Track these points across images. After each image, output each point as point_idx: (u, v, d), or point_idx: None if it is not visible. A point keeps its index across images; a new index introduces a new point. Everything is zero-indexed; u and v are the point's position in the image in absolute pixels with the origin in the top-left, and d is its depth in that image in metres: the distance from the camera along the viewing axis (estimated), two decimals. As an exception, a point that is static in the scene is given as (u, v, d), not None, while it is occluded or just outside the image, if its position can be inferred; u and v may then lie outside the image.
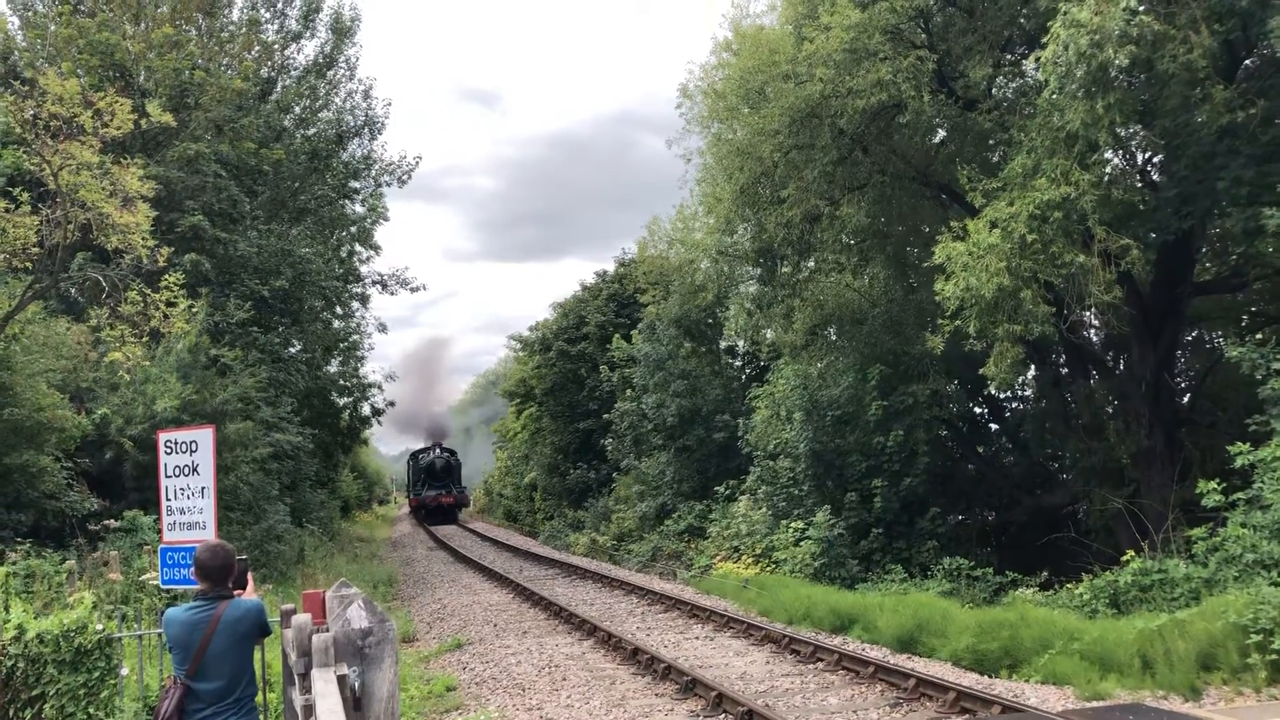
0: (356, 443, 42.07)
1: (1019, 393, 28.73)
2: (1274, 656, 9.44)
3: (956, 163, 23.30)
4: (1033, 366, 24.35)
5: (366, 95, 31.08)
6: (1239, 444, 13.47)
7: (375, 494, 70.07)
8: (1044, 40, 15.84)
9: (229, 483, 19.81)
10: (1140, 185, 17.65)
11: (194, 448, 7.67)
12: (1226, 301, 24.85)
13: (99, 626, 6.62)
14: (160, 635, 7.32)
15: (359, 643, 4.53)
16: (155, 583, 11.74)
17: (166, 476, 7.73)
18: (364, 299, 36.68)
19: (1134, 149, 19.06)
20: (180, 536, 7.69)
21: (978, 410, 28.55)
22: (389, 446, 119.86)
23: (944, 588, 17.93)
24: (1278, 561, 12.26)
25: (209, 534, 7.60)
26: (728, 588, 19.57)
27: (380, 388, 40.96)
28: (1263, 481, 13.15)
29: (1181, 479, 20.05)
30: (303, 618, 5.15)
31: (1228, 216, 18.03)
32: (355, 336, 37.37)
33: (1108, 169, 17.24)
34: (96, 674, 6.51)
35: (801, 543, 20.88)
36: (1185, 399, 24.15)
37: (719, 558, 23.32)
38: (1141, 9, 14.57)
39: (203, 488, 7.62)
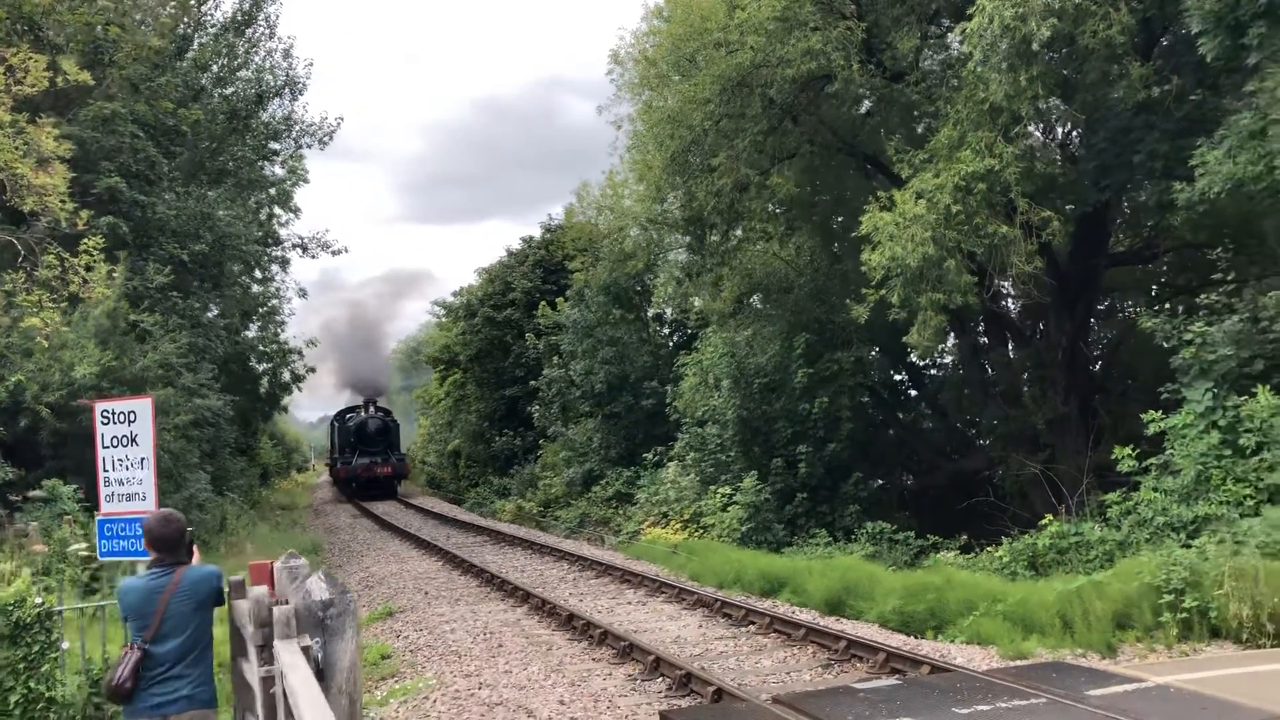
0: (277, 409, 41.40)
1: (938, 360, 29.41)
2: (1184, 615, 9.89)
3: (883, 134, 23.68)
4: (952, 335, 24.91)
5: (287, 55, 30.32)
6: (1152, 412, 13.96)
7: (294, 461, 67.20)
8: (970, 12, 16.12)
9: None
10: (1059, 158, 18.06)
11: (132, 418, 7.52)
12: (1139, 272, 25.65)
13: (38, 600, 6.49)
14: (104, 608, 7.22)
15: (320, 614, 4.52)
16: (82, 553, 11.51)
17: (104, 447, 7.57)
18: (284, 263, 36.00)
19: (1054, 122, 19.48)
20: (119, 508, 7.56)
21: (898, 377, 29.15)
22: (310, 411, 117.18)
23: (867, 551, 18.35)
24: (1186, 524, 12.80)
25: (149, 505, 7.48)
26: (657, 553, 19.78)
27: (300, 353, 40.32)
28: (1173, 447, 13.66)
29: (1094, 445, 20.74)
30: (259, 589, 5.13)
31: (1142, 189, 18.64)
32: (275, 301, 36.69)
33: (1029, 142, 17.62)
34: (36, 648, 6.39)
35: (729, 508, 21.17)
36: (1097, 367, 24.94)
37: (647, 523, 23.54)
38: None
39: (142, 458, 7.49)
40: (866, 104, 22.29)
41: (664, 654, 10.35)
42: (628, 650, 11.00)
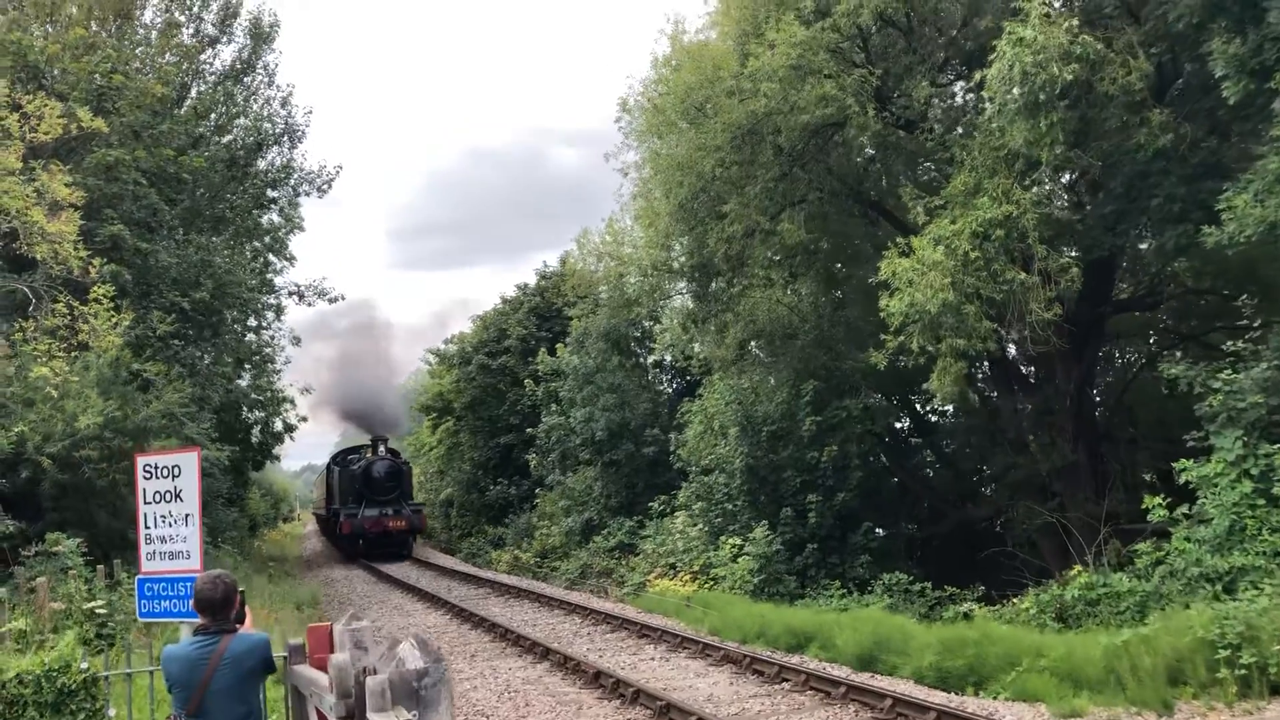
0: (269, 459, 40.84)
1: (939, 406, 29.28)
2: (1243, 671, 9.63)
3: (884, 181, 23.71)
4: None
5: (285, 103, 30.27)
6: (1185, 460, 13.75)
7: (280, 511, 65.95)
8: (989, 59, 16.12)
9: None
10: (1072, 204, 18.01)
11: (177, 472, 7.19)
12: (1141, 319, 25.67)
13: (83, 665, 6.13)
14: (151, 674, 6.84)
15: (414, 684, 4.20)
16: (99, 610, 11.11)
17: (145, 503, 7.23)
18: (278, 310, 35.62)
19: (1068, 169, 19.51)
20: (161, 566, 7.20)
21: (899, 425, 28.97)
22: (292, 460, 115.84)
23: (884, 603, 18.01)
24: (1220, 575, 12.57)
25: (193, 564, 7.13)
26: (669, 605, 19.38)
27: (293, 402, 39.82)
28: (1205, 496, 13.45)
29: (1101, 493, 20.55)
30: (342, 657, 4.79)
31: (1160, 234, 18.62)
32: (268, 349, 36.27)
33: (1044, 188, 17.60)
34: (81, 715, 6.02)
35: (739, 559, 20.82)
36: (1099, 413, 24.82)
37: (654, 574, 23.12)
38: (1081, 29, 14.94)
39: (187, 515, 7.15)
40: (871, 151, 22.33)
41: (706, 715, 9.98)
42: (664, 710, 10.62)
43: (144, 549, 7.27)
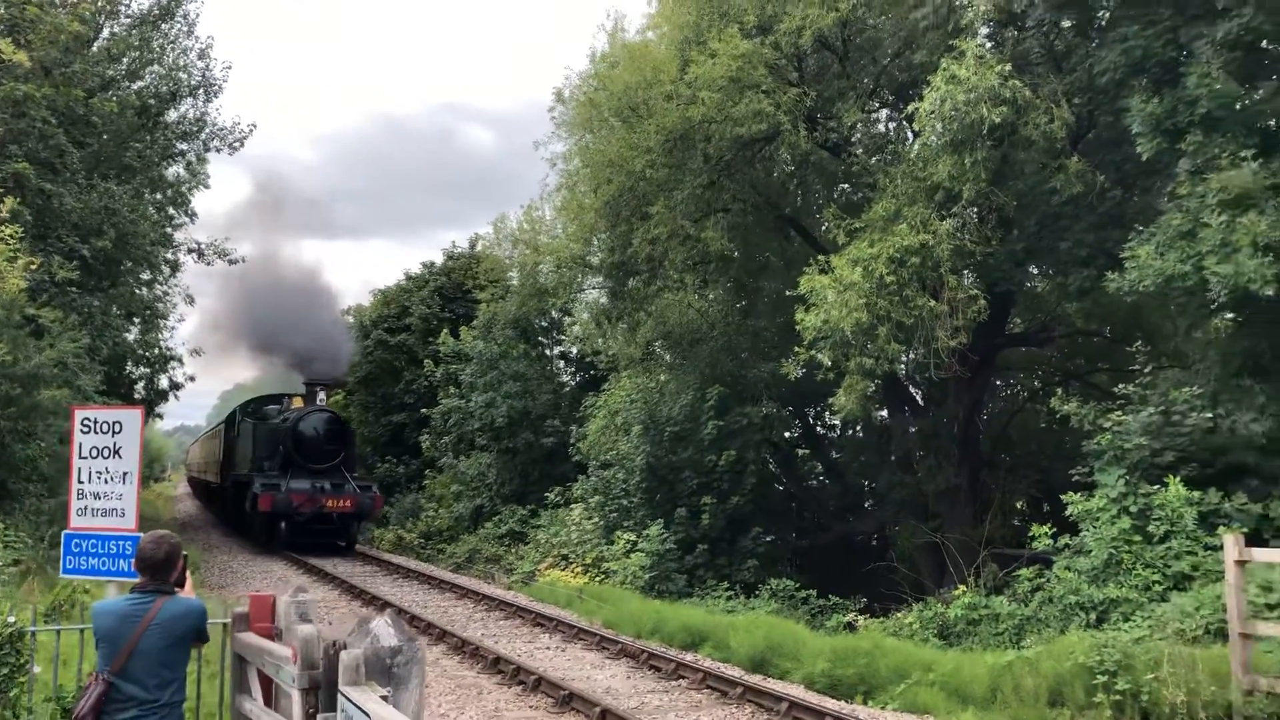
0: (151, 416, 39.54)
1: (831, 420, 30.05)
2: (1118, 697, 10.22)
3: (804, 197, 24.28)
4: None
5: (203, 54, 29.36)
6: (1072, 494, 14.45)
7: (153, 471, 63.51)
8: (919, 92, 16.70)
9: (30, 453, 18.31)
10: (985, 239, 18.69)
11: (118, 429, 7.02)
12: (1030, 354, 26.83)
13: (10, 619, 5.97)
14: (82, 631, 6.69)
15: (388, 661, 4.28)
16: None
17: (80, 457, 7.05)
18: (175, 266, 34.54)
19: (984, 205, 20.28)
20: (92, 523, 7.03)
21: (792, 435, 29.63)
22: (168, 419, 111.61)
23: (770, 607, 18.47)
24: (1095, 605, 13.28)
25: (128, 522, 6.99)
26: (560, 596, 19.51)
27: (181, 360, 38.62)
28: (1087, 529, 14.17)
29: (980, 517, 21.45)
30: (309, 628, 4.83)
31: (1054, 276, 19.51)
32: (160, 305, 35.14)
33: (959, 221, 18.26)
34: (5, 670, 5.87)
35: (633, 554, 21.07)
36: (982, 439, 25.83)
37: (545, 564, 23.23)
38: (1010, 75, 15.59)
39: (125, 473, 6.99)
40: (792, 168, 22.83)
41: (611, 706, 10.17)
42: (567, 700, 10.77)
43: (75, 504, 7.09)
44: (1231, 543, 10.01)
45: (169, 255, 32.71)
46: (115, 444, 7.05)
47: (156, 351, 35.21)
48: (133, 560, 5.70)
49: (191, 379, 39.39)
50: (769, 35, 18.03)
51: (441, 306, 39.12)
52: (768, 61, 18.06)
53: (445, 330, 35.33)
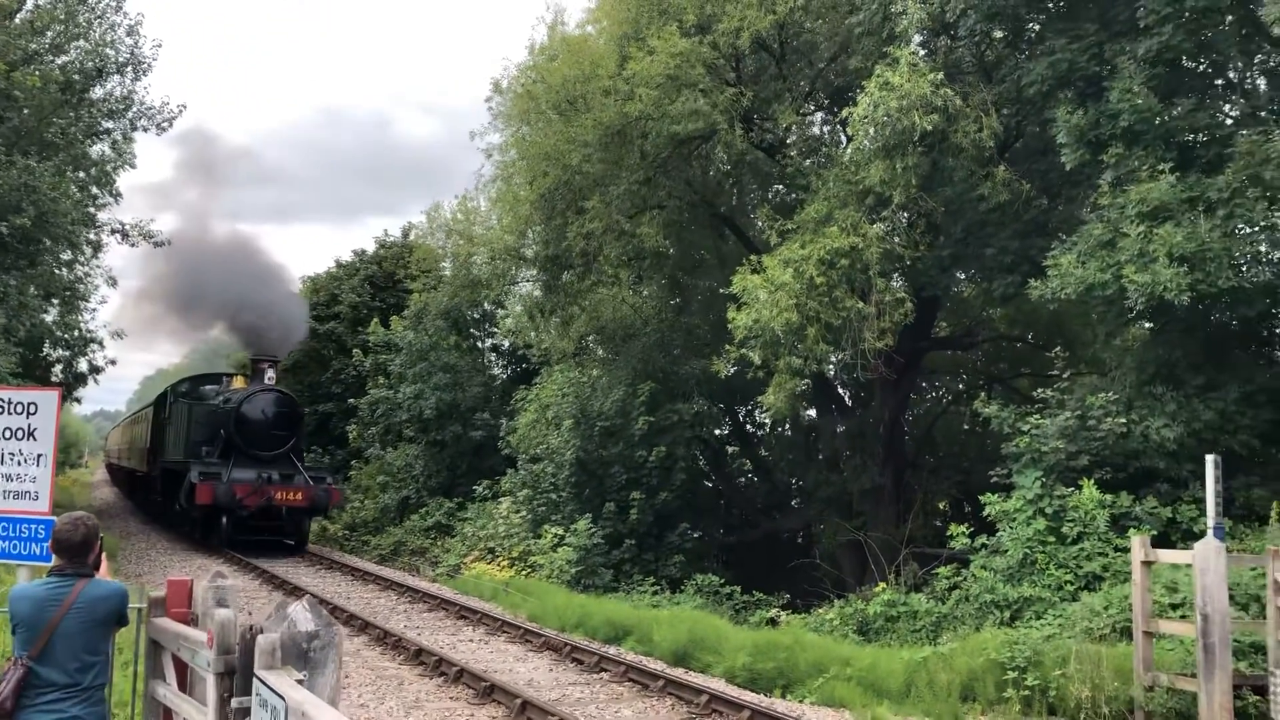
0: (69, 400, 38.55)
1: (760, 418, 30.37)
2: (1026, 692, 10.52)
3: (739, 197, 24.49)
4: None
5: (132, 31, 28.65)
6: (990, 495, 14.78)
7: (70, 458, 61.71)
8: (853, 96, 16.94)
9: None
10: (913, 243, 19.03)
11: (33, 410, 6.86)
12: (955, 357, 27.37)
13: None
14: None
15: (304, 646, 4.26)
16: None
17: (-6, 438, 6.89)
18: (97, 247, 33.66)
19: (914, 209, 20.63)
20: (6, 505, 6.87)
21: (721, 432, 29.87)
22: (87, 404, 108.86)
23: (696, 602, 18.60)
24: (1010, 603, 13.62)
25: (42, 505, 6.83)
26: (485, 589, 19.44)
27: (101, 344, 37.67)
28: (1004, 529, 14.51)
29: (902, 516, 21.84)
30: (226, 613, 4.78)
31: (979, 281, 19.93)
32: (81, 286, 34.24)
33: (889, 225, 18.56)
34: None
35: (560, 549, 21.07)
36: (907, 441, 26.31)
37: (471, 557, 23.12)
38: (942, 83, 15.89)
39: (39, 455, 6.82)
40: (729, 169, 23.03)
41: (532, 698, 10.19)
42: (488, 691, 10.77)
43: (-14, 485, 6.93)
44: (1138, 544, 10.34)
45: (91, 235, 31.90)
46: (30, 425, 6.90)
47: (76, 334, 34.32)
48: (48, 543, 5.60)
49: (112, 363, 38.40)
50: (707, 35, 18.14)
51: (372, 295, 38.72)
52: (706, 61, 18.17)
53: (375, 320, 34.97)
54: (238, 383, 28.71)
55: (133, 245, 34.38)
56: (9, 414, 6.93)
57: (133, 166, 33.41)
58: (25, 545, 6.81)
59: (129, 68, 27.98)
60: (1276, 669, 9.39)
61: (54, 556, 5.25)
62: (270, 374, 26.85)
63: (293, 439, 25.99)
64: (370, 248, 41.55)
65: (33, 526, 6.82)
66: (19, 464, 6.90)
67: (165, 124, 29.71)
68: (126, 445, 43.10)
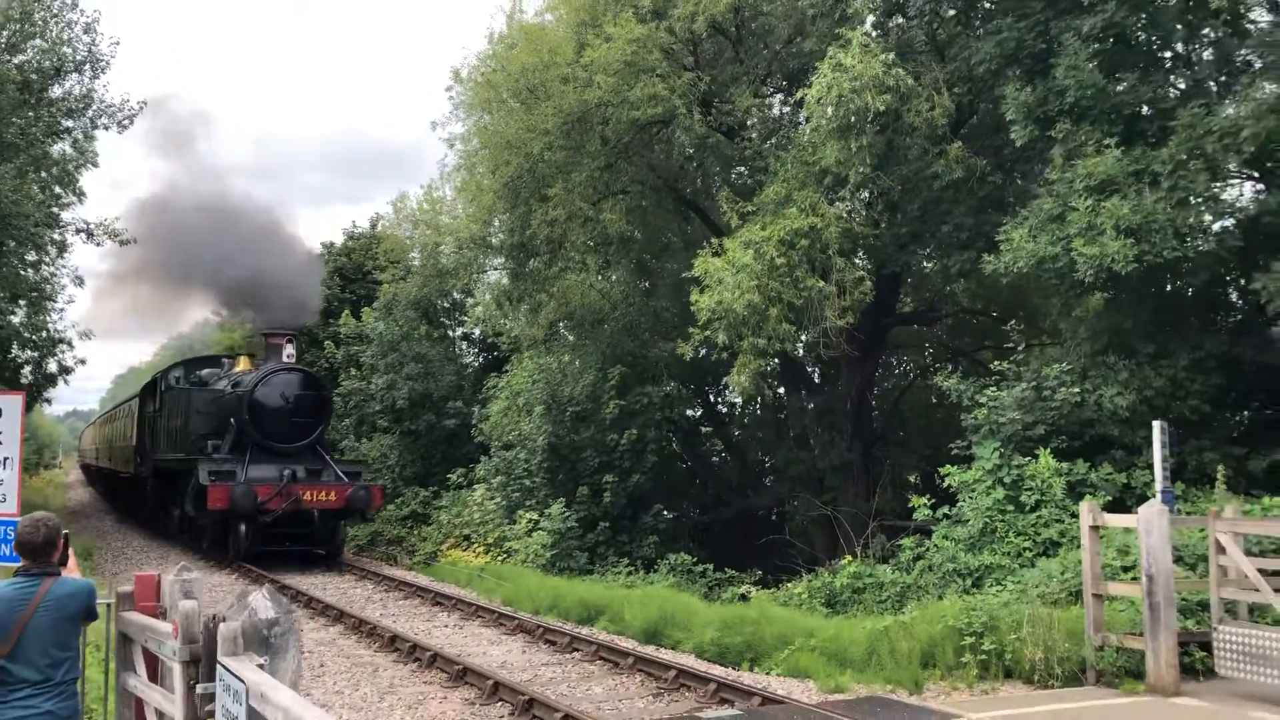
0: (39, 402, 38.40)
1: (730, 398, 30.69)
2: (983, 656, 10.84)
3: (702, 180, 24.70)
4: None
5: (88, 29, 28.51)
6: (950, 466, 15.12)
7: (44, 459, 61.17)
8: (809, 78, 17.17)
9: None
10: (872, 221, 19.31)
11: (-3, 414, 7.05)
12: (919, 332, 27.75)
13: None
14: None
15: (265, 632, 4.49)
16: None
17: (-41, 443, 7.04)
18: (62, 247, 33.51)
19: (870, 188, 20.92)
20: (-28, 509, 7.05)
21: (692, 413, 30.16)
22: (59, 404, 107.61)
23: (669, 582, 18.89)
24: (971, 571, 13.97)
25: (9, 507, 7.01)
26: (460, 575, 19.68)
27: (70, 344, 37.54)
28: (964, 500, 14.86)
29: (871, 490, 22.22)
30: (190, 604, 4.98)
31: (937, 258, 20.23)
32: (47, 286, 34.10)
33: (847, 205, 18.84)
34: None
35: (534, 533, 21.31)
36: (874, 416, 26.68)
37: (447, 545, 23.34)
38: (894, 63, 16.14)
39: (5, 458, 7.00)
40: (690, 151, 23.21)
41: (503, 679, 10.44)
42: (461, 674, 11.01)
43: (-45, 489, 7.08)
44: (1086, 510, 10.69)
45: (56, 236, 31.77)
46: (-6, 428, 7.07)
47: (44, 335, 34.21)
48: (11, 545, 5.77)
49: (82, 362, 38.24)
50: (664, 20, 18.32)
51: (342, 287, 38.65)
52: (663, 46, 18.36)
53: (346, 311, 35.00)
54: (242, 364, 25.08)
55: (98, 244, 34.22)
56: (-27, 419, 7.10)
57: (95, 165, 33.31)
58: (-6, 546, 7.00)
59: (87, 65, 27.86)
60: (1219, 625, 9.77)
61: (20, 558, 5.43)
62: (289, 349, 22.85)
63: (319, 427, 22.38)
64: (339, 239, 41.52)
65: (1, 528, 7.00)
66: (-15, 467, 7.08)
67: (126, 121, 29.59)
68: (104, 445, 39.36)
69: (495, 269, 25.79)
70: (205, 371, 26.31)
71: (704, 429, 30.24)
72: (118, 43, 28.87)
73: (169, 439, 24.79)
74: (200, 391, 24.64)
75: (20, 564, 5.37)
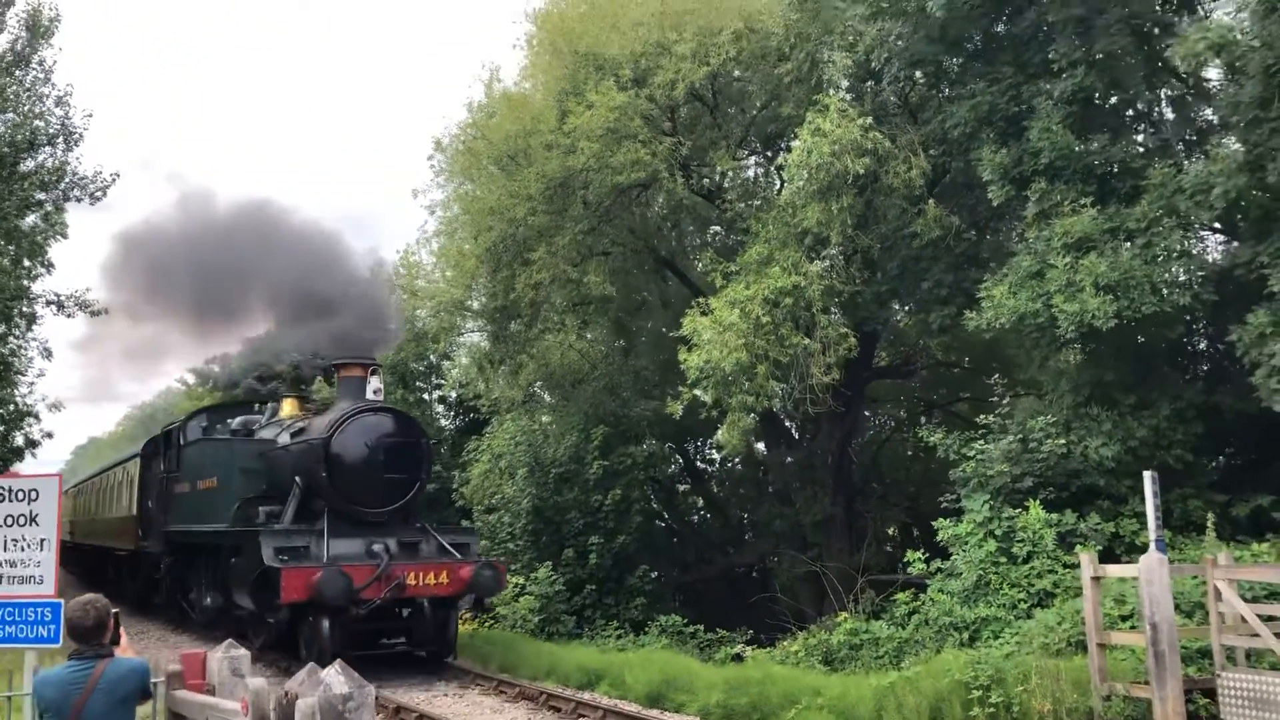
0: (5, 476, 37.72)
1: (708, 455, 30.86)
2: (992, 709, 10.96)
3: (679, 240, 25.08)
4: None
5: (60, 102, 28.58)
6: (943, 520, 15.33)
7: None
8: (786, 141, 17.63)
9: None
10: (853, 279, 19.66)
11: (34, 496, 7.02)
12: (896, 386, 28.13)
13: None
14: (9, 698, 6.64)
15: (340, 708, 4.54)
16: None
17: (-4, 525, 7.00)
18: (31, 319, 33.22)
19: (851, 248, 21.34)
20: (10, 591, 6.98)
21: (672, 471, 30.26)
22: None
23: (661, 644, 18.86)
24: (968, 624, 14.12)
25: (47, 589, 6.97)
26: (450, 642, 19.49)
27: (37, 416, 37.06)
28: (957, 553, 15.04)
29: (856, 545, 22.37)
30: (259, 681, 5.02)
31: (916, 313, 20.62)
32: (16, 360, 33.74)
33: (828, 263, 19.21)
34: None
35: (521, 598, 21.21)
36: (855, 470, 26.92)
37: (432, 611, 23.10)
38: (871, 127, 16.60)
39: (42, 539, 6.98)
40: (667, 213, 23.60)
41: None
42: (473, 744, 10.92)
43: (-9, 573, 7.04)
44: (1087, 561, 10.90)
45: (24, 308, 31.52)
46: (32, 511, 7.06)
47: (12, 408, 33.79)
48: (60, 628, 5.80)
49: (49, 435, 37.83)
50: (644, 88, 18.71)
51: (314, 353, 38.55)
52: (643, 112, 18.74)
53: (318, 377, 34.87)
54: (288, 408, 20.59)
55: (69, 316, 34.00)
56: (10, 501, 7.10)
57: (64, 236, 33.17)
58: (32, 629, 6.94)
59: (60, 139, 27.89)
60: (1222, 671, 9.97)
61: (73, 641, 5.46)
62: (375, 383, 17.47)
63: (415, 486, 17.21)
64: (309, 305, 41.45)
65: (39, 610, 6.96)
66: (22, 549, 7.06)
67: (99, 193, 29.59)
68: (84, 517, 34.11)
69: (474, 332, 25.89)
70: (240, 419, 21.30)
71: (681, 487, 30.33)
72: (90, 115, 28.96)
73: (195, 506, 19.67)
74: (245, 443, 19.34)
75: (74, 648, 5.41)
